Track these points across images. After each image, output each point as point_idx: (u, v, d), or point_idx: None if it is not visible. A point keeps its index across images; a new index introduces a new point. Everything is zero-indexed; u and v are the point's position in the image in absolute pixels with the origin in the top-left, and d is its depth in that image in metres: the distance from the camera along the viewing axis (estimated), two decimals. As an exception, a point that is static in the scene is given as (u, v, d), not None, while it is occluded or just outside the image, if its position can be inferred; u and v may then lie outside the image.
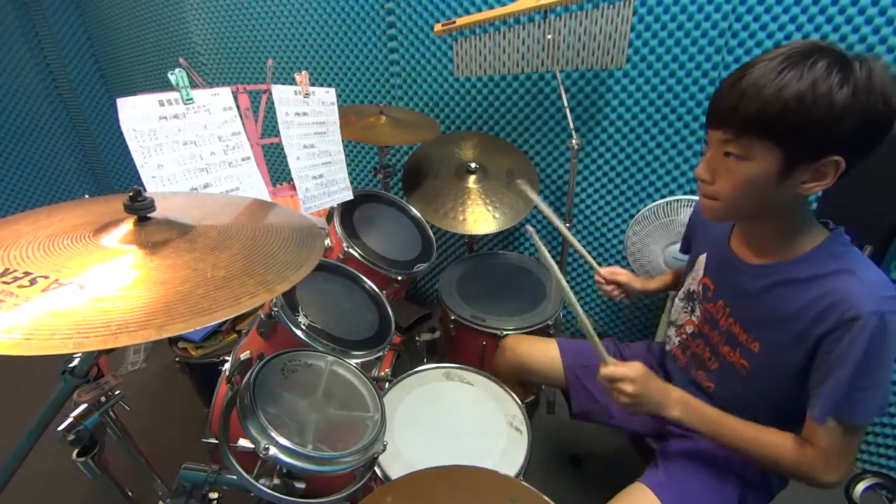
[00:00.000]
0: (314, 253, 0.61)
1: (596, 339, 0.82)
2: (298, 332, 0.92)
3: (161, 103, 0.88)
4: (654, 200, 1.48)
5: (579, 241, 1.85)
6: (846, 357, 0.63)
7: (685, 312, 0.95)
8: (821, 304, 0.66)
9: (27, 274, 0.48)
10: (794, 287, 0.71)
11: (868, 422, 0.66)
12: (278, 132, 1.12)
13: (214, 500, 0.78)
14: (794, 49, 0.60)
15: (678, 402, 0.79)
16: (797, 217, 0.71)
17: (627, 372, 0.78)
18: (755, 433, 0.75)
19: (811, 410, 0.69)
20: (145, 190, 0.67)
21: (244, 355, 0.92)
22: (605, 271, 1.10)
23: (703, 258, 0.90)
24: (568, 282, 1.93)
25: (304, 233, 0.67)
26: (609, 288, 1.10)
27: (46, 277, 0.47)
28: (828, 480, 0.70)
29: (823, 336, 0.66)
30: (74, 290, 0.46)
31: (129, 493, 0.72)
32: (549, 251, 1.03)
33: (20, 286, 0.46)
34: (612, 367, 0.80)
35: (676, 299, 0.98)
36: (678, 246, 1.09)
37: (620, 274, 1.09)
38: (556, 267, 0.86)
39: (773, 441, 0.73)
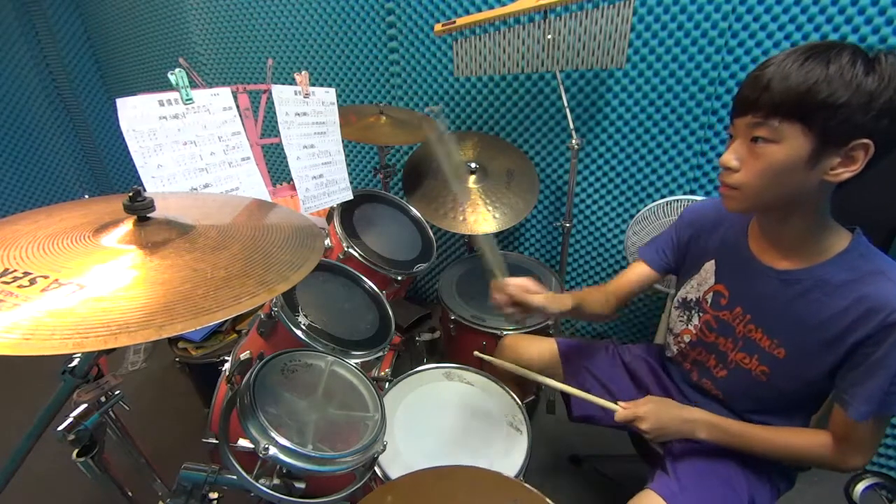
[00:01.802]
0: (314, 253, 0.61)
1: (598, 400, 0.87)
2: (298, 332, 0.92)
3: (161, 103, 0.88)
4: (654, 200, 1.48)
5: (579, 240, 1.87)
6: (889, 360, 0.65)
7: (681, 321, 0.94)
8: (858, 310, 0.67)
9: (27, 274, 0.47)
10: (829, 291, 0.71)
11: None
12: (278, 132, 1.12)
13: (214, 500, 0.78)
14: (816, 44, 0.62)
15: (702, 425, 0.82)
16: (822, 214, 0.71)
17: (637, 412, 0.83)
18: (783, 438, 0.78)
19: (848, 409, 0.70)
20: (145, 190, 0.67)
21: (244, 355, 0.92)
22: (514, 286, 0.85)
23: (710, 265, 0.88)
24: (568, 281, 1.94)
25: (304, 233, 0.67)
26: (510, 310, 0.87)
27: (46, 277, 0.47)
28: (859, 465, 0.74)
29: (861, 340, 0.67)
30: (74, 290, 0.46)
31: (129, 493, 0.72)
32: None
33: (20, 286, 0.45)
34: (623, 412, 0.84)
35: (673, 307, 0.97)
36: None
37: (534, 294, 0.86)
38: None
39: (804, 442, 0.77)
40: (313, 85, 1.19)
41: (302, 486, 0.74)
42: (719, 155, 0.72)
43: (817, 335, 0.72)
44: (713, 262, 0.88)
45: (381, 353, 1.06)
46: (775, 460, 0.80)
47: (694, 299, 0.91)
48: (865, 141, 0.59)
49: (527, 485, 0.76)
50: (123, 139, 0.82)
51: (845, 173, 0.62)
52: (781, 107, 0.61)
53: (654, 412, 0.83)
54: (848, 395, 0.70)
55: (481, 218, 1.51)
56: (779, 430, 0.79)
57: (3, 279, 0.46)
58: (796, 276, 0.74)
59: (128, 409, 0.70)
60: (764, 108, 0.63)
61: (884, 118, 0.58)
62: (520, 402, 1.06)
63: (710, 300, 0.88)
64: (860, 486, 1.32)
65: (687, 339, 0.93)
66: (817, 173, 0.63)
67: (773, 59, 0.63)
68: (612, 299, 0.99)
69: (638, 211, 1.49)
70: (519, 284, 0.86)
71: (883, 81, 0.57)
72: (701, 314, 0.90)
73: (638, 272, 1.01)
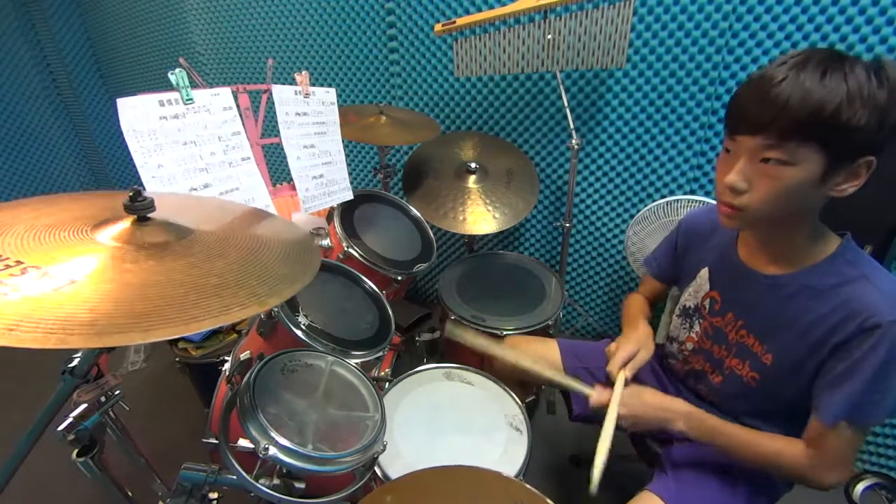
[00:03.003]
0: (309, 269, 0.61)
1: (572, 383, 0.88)
2: (298, 332, 0.92)
3: (161, 103, 0.88)
4: (654, 200, 1.49)
5: (579, 240, 1.86)
6: (864, 364, 0.64)
7: (684, 329, 0.94)
8: (839, 314, 0.67)
9: (19, 263, 0.47)
10: (814, 296, 0.70)
11: (879, 423, 0.67)
12: (278, 132, 1.12)
13: (214, 500, 0.78)
14: (821, 55, 0.59)
15: (680, 415, 0.81)
16: (815, 223, 0.71)
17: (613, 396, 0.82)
18: (759, 440, 0.77)
19: (819, 414, 0.69)
20: (145, 190, 0.67)
21: (244, 355, 0.92)
22: (627, 372, 0.87)
23: (705, 272, 0.88)
24: (568, 281, 1.94)
25: (300, 247, 0.66)
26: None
27: (38, 268, 0.46)
28: (830, 482, 0.71)
29: (840, 343, 0.67)
30: (64, 284, 0.45)
31: (129, 493, 0.72)
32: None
33: (11, 275, 0.45)
34: (597, 396, 0.84)
35: (674, 315, 0.97)
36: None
37: (636, 356, 0.89)
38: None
39: (778, 447, 0.75)
40: (313, 85, 1.18)
41: (302, 486, 0.74)
42: (720, 155, 0.70)
43: (803, 340, 0.72)
44: (707, 269, 0.88)
45: (381, 353, 1.06)
46: (755, 466, 0.78)
47: (693, 306, 0.91)
48: (871, 158, 0.60)
49: (527, 485, 0.76)
50: (123, 139, 0.82)
51: (850, 188, 0.62)
52: (801, 129, 0.58)
53: (628, 396, 0.82)
54: (820, 398, 0.70)
55: (481, 218, 1.51)
56: (755, 432, 0.78)
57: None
58: (783, 281, 0.74)
59: (128, 409, 0.70)
60: (780, 130, 0.59)
61: (891, 136, 0.58)
62: (520, 402, 1.06)
63: (707, 306, 0.88)
64: (860, 487, 1.32)
65: (690, 346, 0.93)
66: (825, 190, 0.63)
67: (777, 72, 0.60)
68: (649, 303, 1.08)
69: (638, 211, 1.49)
70: (622, 360, 0.88)
71: (892, 95, 0.56)
72: (700, 321, 0.90)
73: (651, 284, 1.07)
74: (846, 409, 0.67)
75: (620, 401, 0.82)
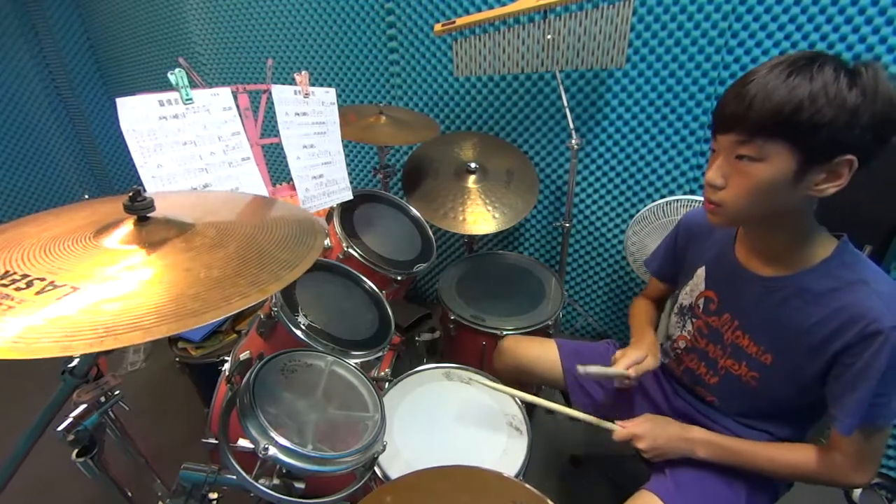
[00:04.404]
0: (312, 251, 0.61)
1: (595, 420, 0.89)
2: (298, 333, 0.92)
3: (161, 103, 0.88)
4: (654, 200, 1.48)
5: (579, 240, 1.86)
6: (869, 371, 0.64)
7: (678, 327, 0.94)
8: (839, 318, 0.67)
9: (25, 276, 0.48)
10: (810, 299, 0.70)
11: (892, 423, 0.67)
12: (278, 132, 1.12)
13: (214, 500, 0.78)
14: (797, 57, 0.61)
15: (700, 444, 0.82)
16: (807, 224, 0.71)
17: (634, 430, 0.84)
18: (780, 454, 0.77)
19: (835, 423, 0.70)
20: (145, 190, 0.67)
21: (244, 355, 0.92)
22: (631, 372, 0.88)
23: (701, 271, 0.89)
24: (568, 281, 1.94)
25: (303, 229, 0.66)
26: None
27: (42, 280, 0.47)
28: (860, 481, 0.72)
29: (842, 350, 0.67)
30: (67, 293, 0.46)
31: (129, 494, 0.72)
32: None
33: (17, 288, 0.46)
34: (620, 431, 0.85)
35: (672, 314, 0.98)
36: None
37: (643, 361, 0.90)
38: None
39: (800, 458, 0.76)
40: (313, 85, 1.18)
41: (302, 486, 0.74)
42: (710, 154, 0.71)
43: (801, 342, 0.72)
44: (703, 268, 0.88)
45: (380, 353, 1.06)
46: (778, 478, 0.80)
47: (687, 305, 0.92)
48: (849, 157, 0.59)
49: (527, 485, 0.76)
50: (123, 139, 0.82)
51: (830, 188, 0.63)
52: (765, 126, 0.60)
53: (650, 432, 0.83)
54: (834, 409, 0.70)
55: (481, 218, 1.51)
56: (775, 445, 0.79)
57: (2, 282, 0.46)
58: (779, 283, 0.74)
59: (127, 409, 0.70)
60: (747, 127, 0.62)
61: (866, 134, 0.58)
62: (520, 402, 1.06)
63: (701, 306, 0.88)
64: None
65: (682, 344, 0.93)
66: (802, 189, 0.63)
67: (755, 73, 0.62)
68: (656, 307, 1.08)
69: (638, 211, 1.49)
70: (628, 364, 0.88)
71: (865, 97, 0.57)
72: (694, 320, 0.90)
73: (655, 285, 1.08)
74: (858, 417, 0.67)
75: (640, 435, 0.83)
